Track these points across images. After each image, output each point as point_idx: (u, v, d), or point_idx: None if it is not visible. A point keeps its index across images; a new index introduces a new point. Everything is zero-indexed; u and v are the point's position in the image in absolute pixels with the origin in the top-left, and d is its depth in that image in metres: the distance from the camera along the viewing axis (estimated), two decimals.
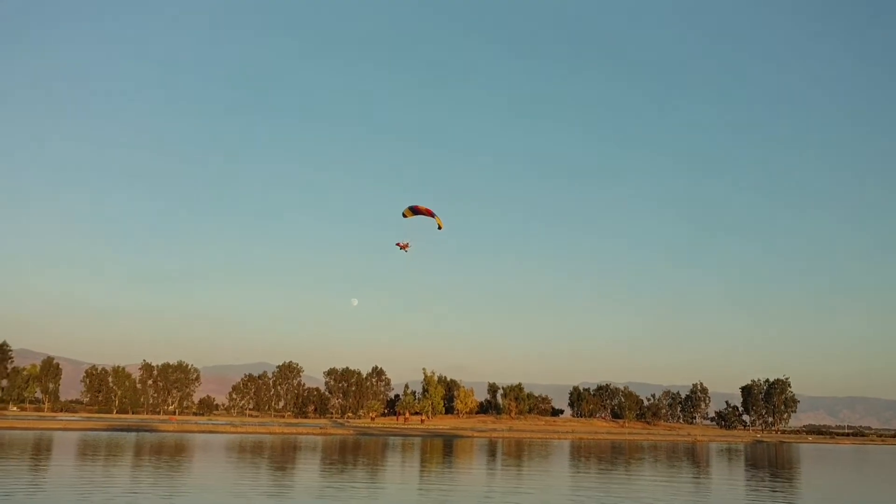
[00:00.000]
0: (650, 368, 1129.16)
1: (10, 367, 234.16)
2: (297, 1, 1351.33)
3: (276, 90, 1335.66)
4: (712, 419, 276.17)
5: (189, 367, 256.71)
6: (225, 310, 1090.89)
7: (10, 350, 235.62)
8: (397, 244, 73.43)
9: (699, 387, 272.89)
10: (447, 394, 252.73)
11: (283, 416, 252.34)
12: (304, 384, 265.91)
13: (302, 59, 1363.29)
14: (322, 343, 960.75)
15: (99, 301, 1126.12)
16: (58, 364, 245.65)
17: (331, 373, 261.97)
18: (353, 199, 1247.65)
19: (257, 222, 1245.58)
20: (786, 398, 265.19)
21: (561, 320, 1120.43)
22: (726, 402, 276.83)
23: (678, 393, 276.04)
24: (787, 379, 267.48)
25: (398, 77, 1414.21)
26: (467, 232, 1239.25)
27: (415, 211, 74.79)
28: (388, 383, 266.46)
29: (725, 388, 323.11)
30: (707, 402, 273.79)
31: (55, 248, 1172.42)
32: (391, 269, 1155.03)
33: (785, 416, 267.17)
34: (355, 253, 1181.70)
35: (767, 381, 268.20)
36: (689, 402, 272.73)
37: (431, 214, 73.29)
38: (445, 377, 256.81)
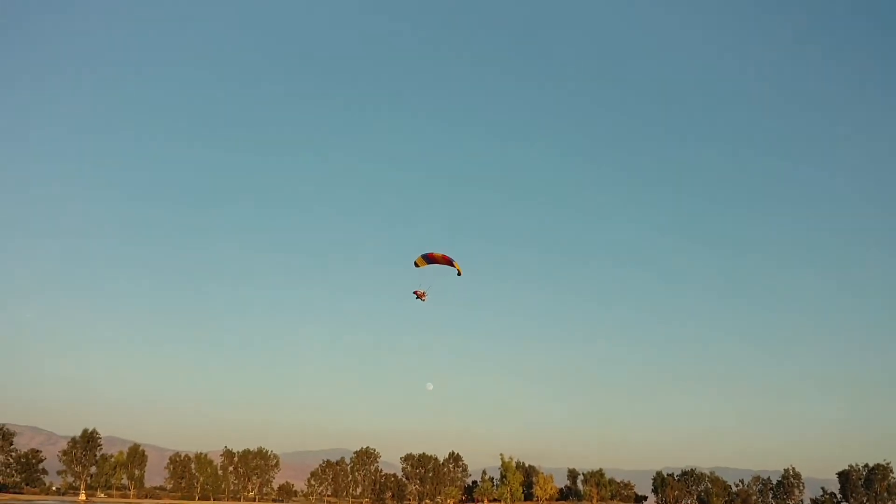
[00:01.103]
0: (738, 452, 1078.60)
1: (98, 454, 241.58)
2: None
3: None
4: None
5: (269, 453, 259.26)
6: (304, 396, 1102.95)
7: (99, 437, 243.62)
8: (414, 293, 70.26)
9: (791, 472, 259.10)
10: (526, 480, 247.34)
11: (361, 503, 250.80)
12: (381, 470, 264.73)
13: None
14: (398, 428, 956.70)
15: (183, 390, 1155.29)
16: (143, 451, 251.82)
17: (407, 458, 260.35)
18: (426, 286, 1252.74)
19: (334, 312, 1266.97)
20: (889, 484, 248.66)
21: (644, 403, 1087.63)
22: (822, 488, 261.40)
23: (769, 478, 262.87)
24: (888, 464, 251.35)
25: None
26: (547, 316, 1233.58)
27: (429, 260, 70.98)
28: (465, 469, 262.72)
29: (820, 473, 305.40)
30: (801, 488, 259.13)
31: (141, 341, 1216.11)
32: (466, 354, 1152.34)
33: None
34: (429, 338, 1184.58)
35: (867, 465, 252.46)
36: (780, 489, 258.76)
37: (450, 261, 70.34)
38: (524, 463, 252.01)
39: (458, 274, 68.75)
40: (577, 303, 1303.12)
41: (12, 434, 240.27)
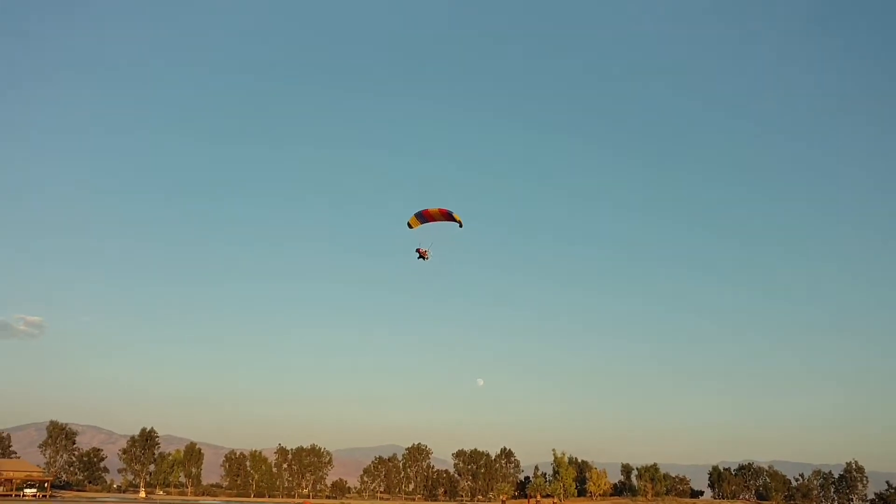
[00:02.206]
0: (797, 446, 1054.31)
1: (156, 452, 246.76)
2: None
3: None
4: (872, 502, 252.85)
5: (322, 450, 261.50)
6: (355, 393, 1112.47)
7: (157, 437, 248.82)
8: (417, 251, 64.00)
9: (854, 465, 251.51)
10: (579, 475, 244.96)
11: (414, 499, 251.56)
12: (433, 466, 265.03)
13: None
14: (450, 424, 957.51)
15: (238, 388, 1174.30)
16: (200, 449, 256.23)
17: (459, 455, 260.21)
18: (476, 283, 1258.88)
19: (384, 307, 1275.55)
20: None
21: (697, 397, 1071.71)
22: (887, 482, 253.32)
23: (830, 472, 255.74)
24: None
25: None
26: (596, 313, 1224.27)
27: (423, 218, 63.68)
28: (517, 465, 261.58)
29: (886, 467, 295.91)
30: (864, 482, 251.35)
31: (197, 341, 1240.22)
32: (517, 348, 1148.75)
33: None
34: (481, 332, 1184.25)
35: None
36: (843, 483, 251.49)
37: (448, 215, 62.87)
38: (576, 458, 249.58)
39: (460, 226, 62.12)
40: (625, 301, 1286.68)
41: (75, 433, 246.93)
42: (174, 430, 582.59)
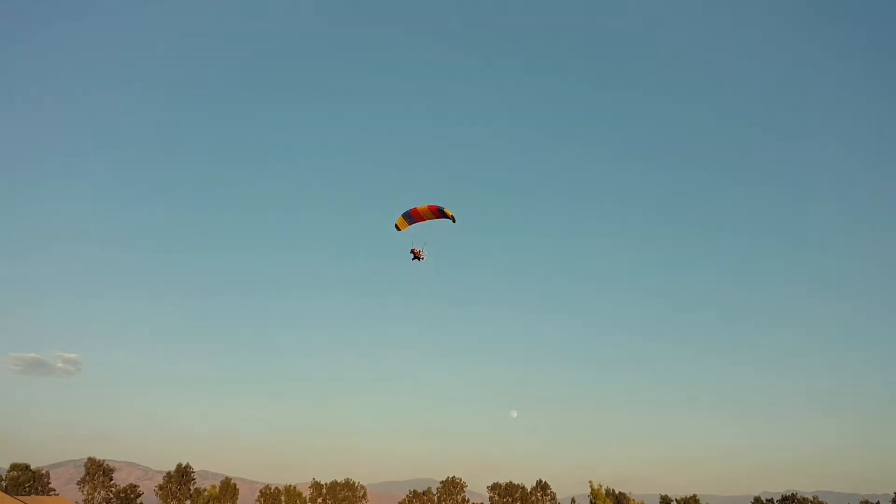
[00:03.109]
0: (842, 475, 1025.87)
1: (192, 488, 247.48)
2: None
3: None
4: None
5: (356, 484, 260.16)
6: (387, 425, 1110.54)
7: (193, 472, 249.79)
8: (412, 251, 61.06)
9: None
10: None
11: None
12: (468, 499, 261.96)
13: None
14: (483, 456, 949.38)
15: (272, 422, 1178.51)
16: (235, 484, 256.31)
17: (494, 488, 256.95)
18: (509, 316, 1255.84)
19: (415, 339, 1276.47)
20: None
21: (738, 425, 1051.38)
22: None
23: (878, 503, 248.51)
24: None
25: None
26: (633, 343, 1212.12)
27: (412, 218, 60.21)
28: (553, 497, 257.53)
29: None
30: None
31: (231, 376, 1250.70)
32: (551, 378, 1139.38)
33: None
34: (512, 364, 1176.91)
35: None
36: None
37: (438, 212, 59.43)
38: (613, 490, 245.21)
39: (453, 221, 58.93)
40: (661, 331, 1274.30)
41: (112, 470, 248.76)
42: (210, 465, 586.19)
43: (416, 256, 60.64)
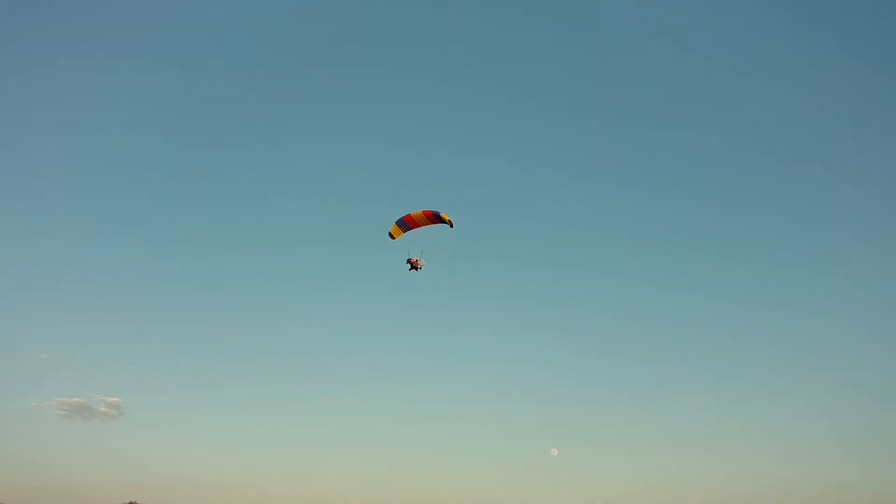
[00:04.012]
0: None
1: None
2: None
3: None
4: None
5: None
6: (419, 462, 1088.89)
7: None
8: (408, 261, 59.64)
9: None
10: None
11: None
12: None
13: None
14: (521, 497, 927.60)
15: (318, 463, 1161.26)
16: None
17: None
18: (544, 347, 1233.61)
19: (446, 377, 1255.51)
20: None
21: (812, 462, 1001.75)
22: None
23: None
24: None
25: None
26: (689, 376, 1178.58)
27: (406, 226, 58.67)
28: None
29: None
30: None
31: (274, 420, 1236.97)
32: (591, 413, 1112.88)
33: None
34: (551, 400, 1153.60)
35: None
36: None
37: (434, 217, 57.56)
38: None
39: (451, 227, 56.46)
40: (722, 360, 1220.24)
41: None
42: None
43: (414, 266, 59.00)
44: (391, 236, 57.88)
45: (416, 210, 56.47)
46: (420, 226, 57.08)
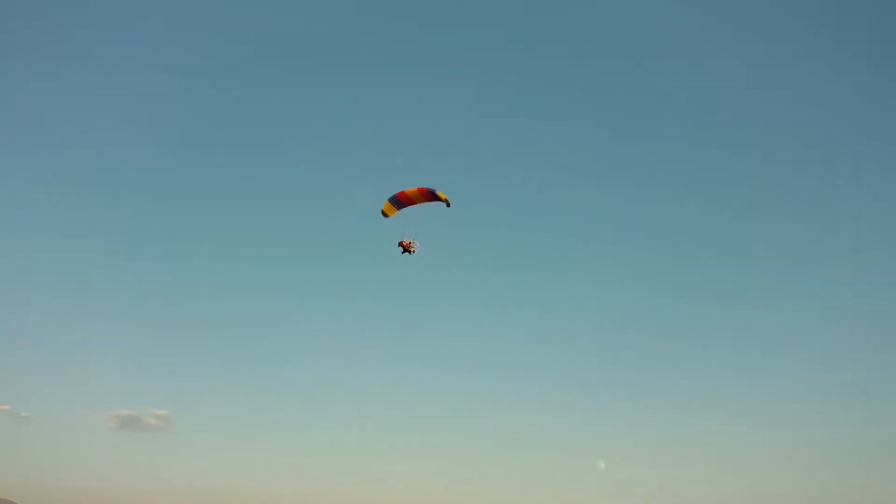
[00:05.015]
0: None
1: None
2: None
3: None
4: None
5: None
6: (460, 475, 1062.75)
7: None
8: (400, 244, 56.33)
9: None
10: None
11: None
12: None
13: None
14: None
15: (362, 476, 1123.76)
16: None
17: None
18: (586, 356, 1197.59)
19: (492, 389, 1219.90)
20: None
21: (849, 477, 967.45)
22: None
23: None
24: None
25: None
26: (755, 367, 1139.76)
27: (399, 203, 55.23)
28: None
29: None
30: None
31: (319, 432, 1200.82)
32: (639, 423, 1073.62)
33: None
34: (597, 411, 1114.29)
35: None
36: None
37: (429, 195, 54.22)
38: None
39: (447, 205, 53.45)
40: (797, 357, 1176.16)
41: None
42: None
43: (406, 249, 55.80)
44: (384, 214, 55.29)
45: (410, 187, 54.04)
46: (414, 203, 54.48)
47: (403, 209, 54.41)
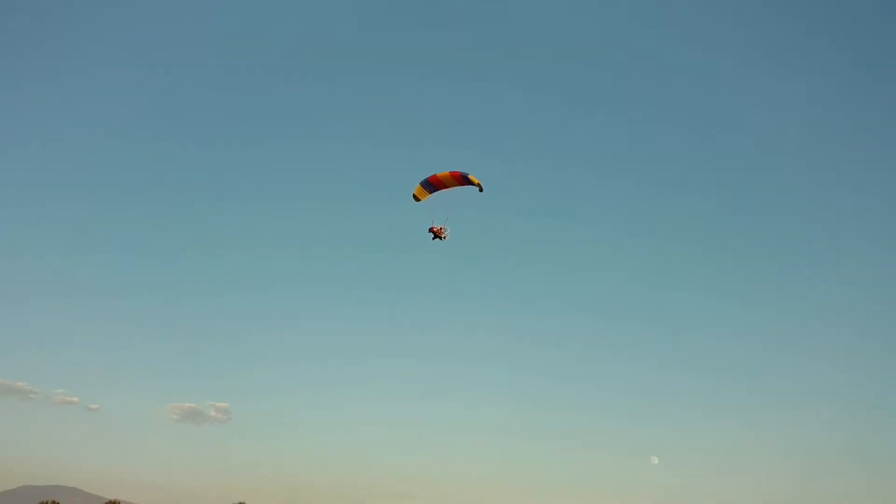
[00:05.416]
0: None
1: None
2: None
3: None
4: None
5: None
6: (507, 473, 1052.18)
7: None
8: (430, 230, 54.97)
9: None
10: None
11: None
12: None
13: None
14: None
15: (427, 468, 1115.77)
16: None
17: None
18: (637, 352, 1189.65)
19: (545, 384, 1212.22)
20: None
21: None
22: None
23: None
24: None
25: None
26: (799, 377, 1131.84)
27: (431, 187, 54.31)
28: None
29: None
30: None
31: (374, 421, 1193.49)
32: (692, 420, 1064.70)
33: None
34: (649, 407, 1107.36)
35: None
36: None
37: (462, 179, 52.79)
38: None
39: (480, 190, 52.34)
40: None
41: None
42: None
43: (437, 235, 54.73)
44: (415, 198, 54.42)
45: (442, 171, 52.85)
46: (447, 187, 53.59)
47: (435, 193, 53.64)
